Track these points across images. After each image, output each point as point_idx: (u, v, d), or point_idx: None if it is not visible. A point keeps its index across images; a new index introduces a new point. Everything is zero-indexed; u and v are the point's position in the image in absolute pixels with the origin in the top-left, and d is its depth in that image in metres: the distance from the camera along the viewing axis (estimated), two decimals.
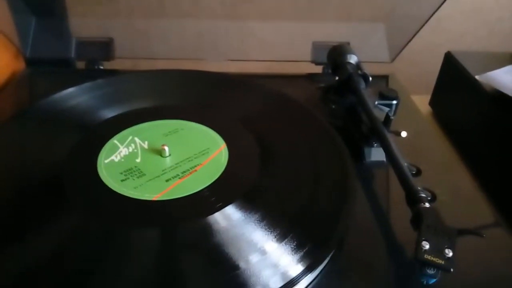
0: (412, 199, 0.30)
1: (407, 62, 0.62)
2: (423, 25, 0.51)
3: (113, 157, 0.34)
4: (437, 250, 0.26)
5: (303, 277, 0.26)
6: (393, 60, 0.56)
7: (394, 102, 0.42)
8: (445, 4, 0.48)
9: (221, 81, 0.46)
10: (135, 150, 0.35)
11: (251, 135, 0.37)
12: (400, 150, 0.34)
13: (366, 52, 0.51)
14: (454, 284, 0.28)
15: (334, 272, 0.29)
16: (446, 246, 0.26)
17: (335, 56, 0.48)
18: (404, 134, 0.36)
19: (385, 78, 0.55)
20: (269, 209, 0.30)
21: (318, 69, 0.56)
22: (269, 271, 0.26)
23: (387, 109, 0.41)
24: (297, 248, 0.28)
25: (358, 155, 0.40)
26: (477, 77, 0.47)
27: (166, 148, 0.34)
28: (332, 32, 0.55)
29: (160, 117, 0.39)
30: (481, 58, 0.53)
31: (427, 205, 0.29)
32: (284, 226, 0.29)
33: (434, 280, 0.27)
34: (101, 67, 0.53)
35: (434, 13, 0.49)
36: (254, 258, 0.27)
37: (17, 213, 0.30)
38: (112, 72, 0.52)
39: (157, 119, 0.39)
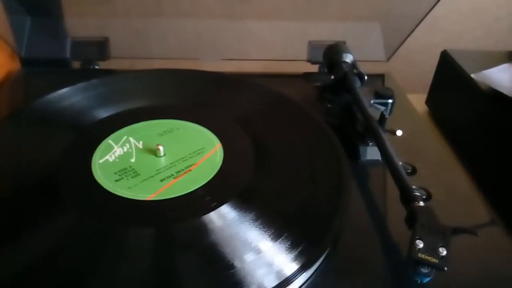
0: (407, 197, 0.30)
1: (404, 61, 0.63)
2: (419, 23, 0.51)
3: (107, 157, 0.34)
4: (431, 249, 0.26)
5: (298, 275, 0.26)
6: (389, 59, 0.56)
7: (390, 101, 0.42)
8: (442, 3, 0.48)
9: (216, 80, 0.46)
10: (130, 150, 0.35)
11: (246, 135, 0.37)
12: (395, 148, 0.34)
13: (362, 51, 0.51)
14: (449, 282, 0.28)
15: (329, 271, 0.29)
16: (440, 245, 0.26)
17: (330, 55, 0.48)
18: (399, 132, 0.36)
19: (381, 77, 0.55)
20: (264, 208, 0.30)
21: (315, 68, 0.56)
22: (264, 270, 0.26)
23: (382, 108, 0.41)
24: (292, 247, 0.28)
25: (354, 154, 0.40)
26: (472, 75, 0.47)
27: (161, 148, 0.34)
28: (328, 32, 0.55)
29: (155, 117, 0.39)
30: (477, 57, 0.53)
31: (421, 203, 0.29)
32: (279, 225, 0.29)
33: (429, 278, 0.27)
34: (97, 67, 0.53)
35: (429, 11, 0.49)
36: (249, 257, 0.27)
37: (11, 212, 0.30)
38: (108, 72, 0.52)
39: (152, 119, 0.39)
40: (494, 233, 0.33)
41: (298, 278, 0.26)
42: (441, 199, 0.35)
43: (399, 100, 0.44)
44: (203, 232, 0.28)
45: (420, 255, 0.26)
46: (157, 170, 0.33)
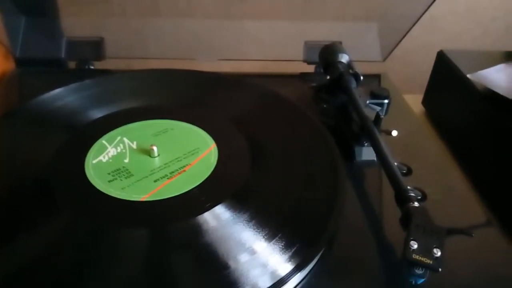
0: (401, 198, 0.30)
1: (400, 61, 0.63)
2: (415, 23, 0.51)
3: (101, 158, 0.34)
4: (425, 250, 0.26)
5: (292, 276, 0.26)
6: (385, 59, 0.56)
7: (386, 101, 0.42)
8: (439, 4, 0.48)
9: (211, 80, 0.46)
10: (124, 151, 0.35)
11: (241, 135, 0.37)
12: (390, 149, 0.34)
13: (359, 51, 0.51)
14: (444, 283, 0.28)
15: (324, 272, 0.29)
16: (434, 246, 0.26)
17: (326, 55, 0.48)
18: (395, 133, 0.36)
19: (377, 77, 0.55)
20: (258, 208, 0.30)
21: (311, 68, 0.56)
22: (258, 271, 0.26)
23: (378, 108, 0.41)
24: (287, 247, 0.28)
25: (349, 154, 0.39)
26: (469, 75, 0.47)
27: (155, 148, 0.34)
28: (324, 32, 0.55)
29: (149, 117, 0.39)
30: (473, 57, 0.53)
31: (416, 204, 0.29)
32: (274, 225, 0.29)
33: (423, 280, 0.27)
34: (92, 67, 0.53)
35: (425, 11, 0.49)
36: (243, 257, 0.27)
37: (3, 213, 0.30)
38: (103, 72, 0.52)
39: (147, 119, 0.39)
40: (490, 233, 0.33)
41: (292, 279, 0.26)
42: (437, 199, 0.35)
43: (395, 100, 0.44)
44: (197, 232, 0.28)
45: (414, 256, 0.26)
46: (151, 171, 0.33)
